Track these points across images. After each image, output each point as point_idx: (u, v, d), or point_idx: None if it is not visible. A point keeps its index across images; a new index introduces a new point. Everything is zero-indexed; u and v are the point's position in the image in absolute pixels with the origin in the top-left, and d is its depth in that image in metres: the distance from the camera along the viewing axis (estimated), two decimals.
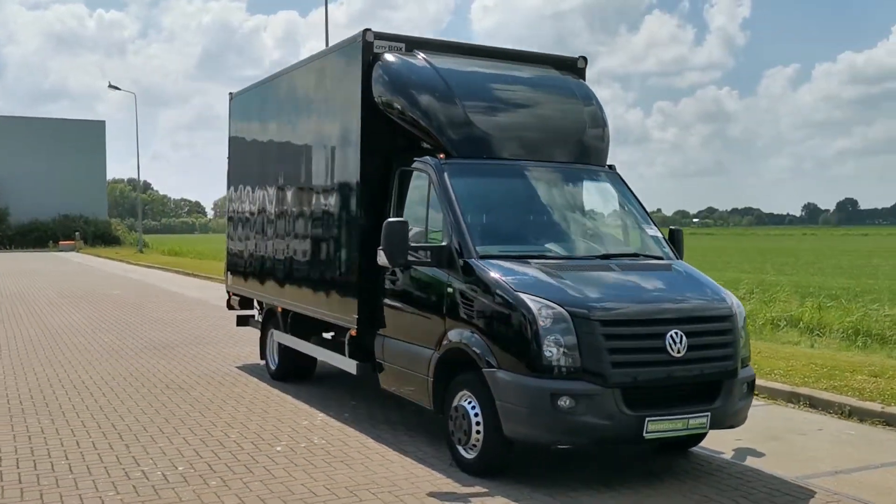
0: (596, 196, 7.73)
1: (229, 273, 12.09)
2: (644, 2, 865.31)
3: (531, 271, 6.52)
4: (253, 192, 11.10)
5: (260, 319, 11.51)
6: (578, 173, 7.80)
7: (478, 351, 6.38)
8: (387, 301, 7.72)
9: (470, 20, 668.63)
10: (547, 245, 7.12)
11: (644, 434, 6.01)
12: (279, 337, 10.26)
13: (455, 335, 6.69)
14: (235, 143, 11.96)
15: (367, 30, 7.97)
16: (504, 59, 8.51)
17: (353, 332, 8.17)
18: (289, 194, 9.84)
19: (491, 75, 8.12)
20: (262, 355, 11.08)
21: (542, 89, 8.21)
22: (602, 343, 5.98)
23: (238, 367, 11.47)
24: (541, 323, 5.97)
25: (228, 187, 12.20)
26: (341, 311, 8.38)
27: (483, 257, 6.68)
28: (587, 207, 7.70)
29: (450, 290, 6.78)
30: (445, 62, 7.95)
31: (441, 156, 7.33)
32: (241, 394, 9.63)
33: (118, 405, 8.92)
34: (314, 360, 10.53)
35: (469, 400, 6.55)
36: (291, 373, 10.47)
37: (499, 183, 7.42)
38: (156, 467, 6.67)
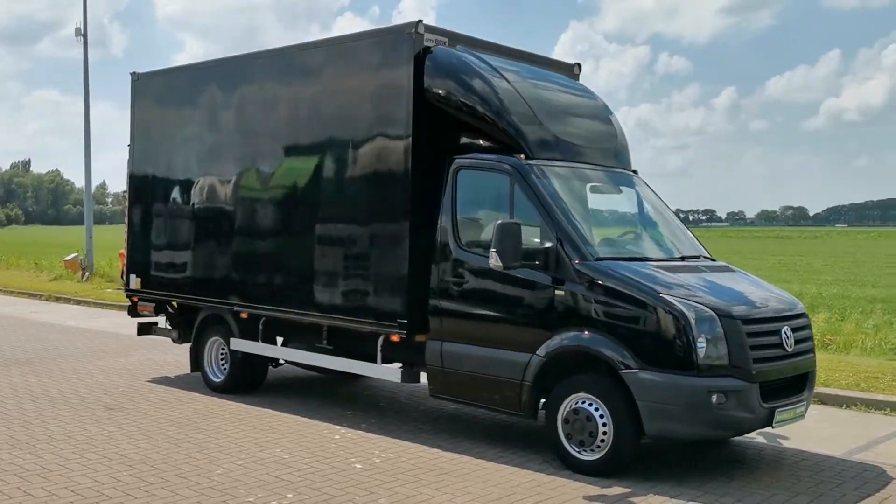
0: (643, 199, 8.03)
1: (136, 276, 10.71)
2: (336, 4, 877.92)
3: (657, 273, 6.69)
4: (197, 185, 9.90)
5: (169, 327, 10.52)
6: (626, 178, 8.07)
7: (608, 353, 6.43)
8: (447, 305, 7.44)
9: (153, 4, 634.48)
10: (634, 247, 7.30)
11: (773, 424, 6.45)
12: (244, 346, 9.35)
13: (569, 338, 6.66)
14: (153, 130, 10.61)
15: (419, 21, 7.61)
16: (522, 60, 8.50)
17: (396, 338, 7.75)
18: (279, 190, 8.94)
19: (537, 73, 8.16)
20: (196, 367, 10.03)
21: (579, 93, 8.39)
22: (745, 341, 6.32)
23: (154, 381, 10.26)
24: (693, 323, 6.18)
25: (134, 177, 10.80)
26: (374, 316, 7.89)
27: (600, 259, 6.73)
28: (642, 211, 7.97)
29: (559, 292, 6.74)
30: (494, 60, 7.82)
31: (521, 156, 7.23)
32: (212, 412, 8.66)
33: (79, 430, 7.68)
34: (266, 368, 9.80)
35: (589, 402, 6.57)
36: (244, 384, 9.62)
37: (576, 186, 7.47)
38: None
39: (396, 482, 6.36)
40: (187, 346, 10.35)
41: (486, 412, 8.48)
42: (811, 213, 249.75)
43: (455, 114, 7.58)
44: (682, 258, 7.41)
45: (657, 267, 6.85)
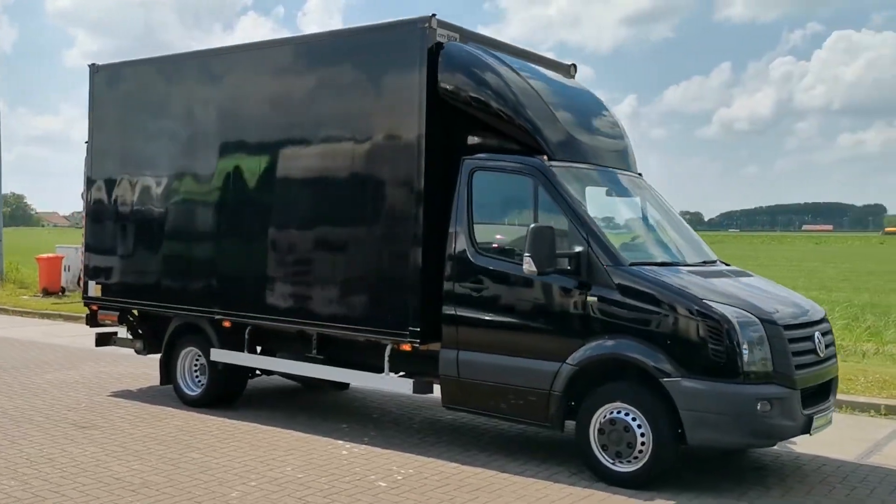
0: (654, 203, 7.87)
1: (95, 283, 9.96)
2: (239, 3, 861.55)
3: (692, 278, 6.54)
4: (170, 183, 9.23)
5: (130, 337, 9.89)
6: (636, 180, 7.90)
7: (647, 361, 6.24)
8: (463, 312, 7.12)
9: None
10: (660, 252, 7.12)
11: (811, 431, 6.37)
12: (227, 357, 8.77)
13: (604, 346, 6.45)
14: (115, 126, 9.88)
15: (432, 16, 7.26)
16: (525, 58, 8.25)
17: (407, 347, 7.38)
18: (271, 191, 8.40)
19: (545, 73, 7.94)
20: (167, 379, 9.39)
21: (584, 94, 8.20)
22: (787, 347, 6.22)
23: (118, 396, 9.55)
24: (738, 329, 6.04)
25: (93, 176, 10.05)
26: (381, 325, 7.49)
27: (633, 264, 6.54)
28: (654, 215, 7.81)
29: (591, 298, 6.51)
30: (507, 58, 7.55)
31: (544, 157, 6.98)
32: (198, 428, 8.08)
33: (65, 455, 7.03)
34: (246, 380, 9.27)
35: (626, 412, 6.36)
36: (223, 397, 9.06)
37: (600, 189, 7.26)
38: None
39: (431, 500, 6.00)
40: (147, 357, 9.72)
41: (488, 421, 8.22)
42: (706, 219, 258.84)
43: (471, 112, 7.27)
44: (704, 263, 7.29)
45: (690, 272, 6.71)
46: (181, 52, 10.17)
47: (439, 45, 7.30)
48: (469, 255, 7.12)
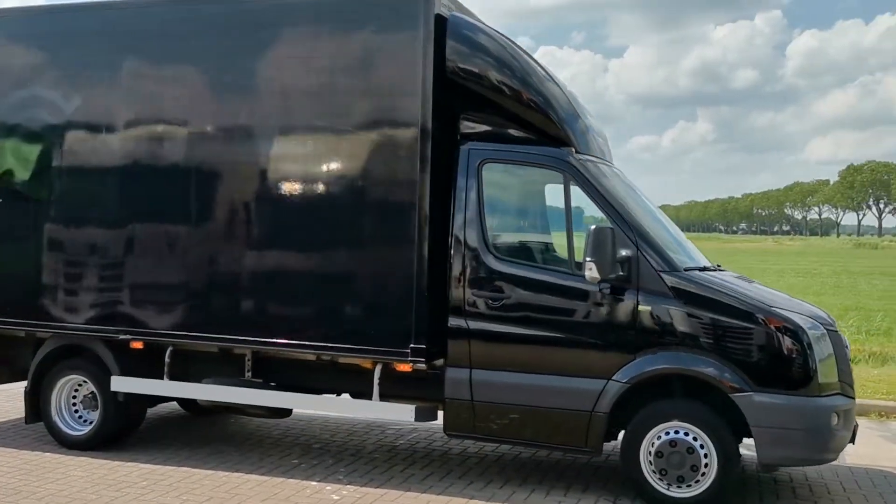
0: (648, 201, 7.34)
1: None
2: None
3: (747, 284, 6.11)
4: (59, 159, 7.26)
5: None
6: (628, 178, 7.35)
7: (715, 374, 5.71)
8: (477, 325, 6.18)
9: None
10: (688, 255, 6.59)
11: (854, 441, 6.17)
12: (139, 386, 7.04)
13: (659, 360, 5.83)
14: None
15: None
16: None
17: (406, 368, 6.28)
18: (215, 176, 6.80)
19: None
20: (35, 416, 7.42)
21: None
22: (846, 356, 5.98)
23: None
24: (811, 338, 5.69)
25: None
26: (371, 342, 6.32)
27: (687, 269, 5.99)
28: (661, 215, 7.24)
29: (644, 307, 5.86)
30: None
31: (572, 149, 6.24)
32: (123, 480, 6.38)
33: None
34: (145, 412, 7.60)
35: (685, 431, 5.79)
36: (119, 435, 7.34)
37: (622, 186, 6.59)
38: None
39: None
40: None
41: (463, 445, 7.32)
42: None
43: (485, 95, 6.31)
44: (718, 266, 6.90)
45: (734, 277, 6.28)
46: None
47: (440, 17, 6.27)
48: (484, 260, 6.19)
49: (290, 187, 6.56)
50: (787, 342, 5.68)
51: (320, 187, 6.48)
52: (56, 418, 7.37)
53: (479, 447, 7.42)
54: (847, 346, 6.17)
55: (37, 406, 7.40)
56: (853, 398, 5.95)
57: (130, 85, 7.04)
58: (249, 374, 7.02)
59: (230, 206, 6.75)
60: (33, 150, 7.38)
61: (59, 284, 7.26)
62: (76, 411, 7.42)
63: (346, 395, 7.02)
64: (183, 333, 6.84)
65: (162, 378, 7.00)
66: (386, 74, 6.31)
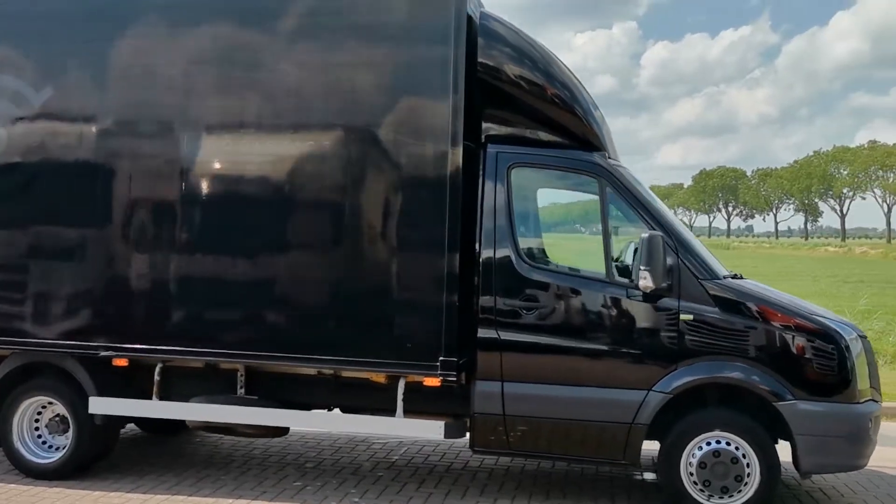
0: None
1: None
2: None
3: (782, 294, 6.11)
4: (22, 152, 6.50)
5: None
6: None
7: (759, 383, 5.68)
8: (510, 335, 5.93)
9: None
10: (717, 262, 6.52)
11: None
12: (121, 407, 6.37)
13: (701, 369, 5.75)
14: None
15: None
16: None
17: (435, 382, 5.94)
18: (222, 175, 6.23)
19: None
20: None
21: None
22: (874, 361, 6.07)
23: None
24: (850, 345, 5.74)
25: None
26: (395, 355, 5.93)
27: (726, 277, 5.93)
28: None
29: (686, 316, 5.76)
30: None
31: (605, 154, 6.08)
32: None
33: None
34: (118, 435, 6.93)
35: (727, 441, 5.72)
36: (91, 462, 6.66)
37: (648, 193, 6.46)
38: None
39: None
40: None
41: (475, 459, 7.05)
42: None
43: (515, 95, 6.07)
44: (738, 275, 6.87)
45: (763, 287, 6.27)
46: None
47: (469, 17, 5.97)
48: (516, 267, 5.94)
49: (310, 192, 6.09)
50: (828, 349, 5.70)
51: (343, 193, 6.04)
52: (18, 444, 6.60)
53: (480, 460, 7.15)
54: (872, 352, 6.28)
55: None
56: (881, 403, 6.05)
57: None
58: (242, 390, 6.50)
59: (242, 209, 6.20)
60: None
61: (24, 294, 6.50)
62: (39, 436, 6.68)
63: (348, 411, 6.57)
64: (181, 349, 6.24)
65: (148, 398, 6.38)
66: (417, 69, 5.94)
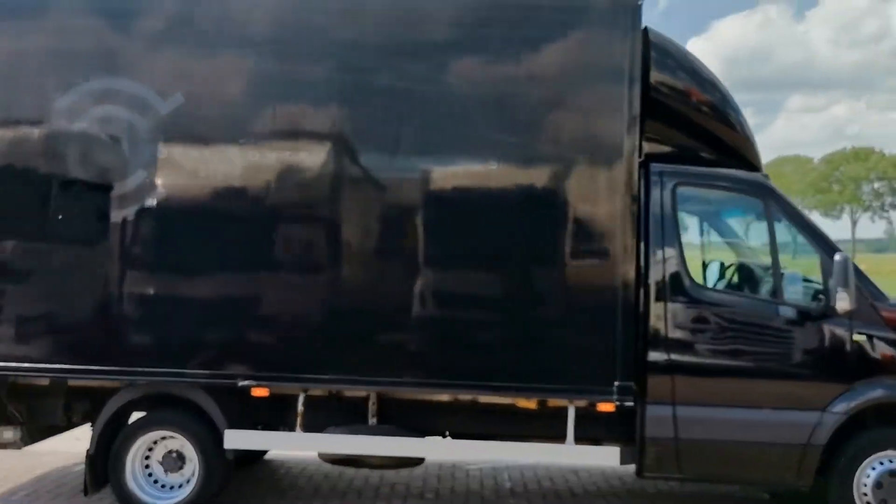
0: None
1: None
2: None
3: None
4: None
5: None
6: None
7: None
8: (682, 358, 5.82)
9: None
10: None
11: None
12: (269, 442, 5.93)
13: (877, 388, 5.79)
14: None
15: None
16: None
17: (611, 407, 5.75)
18: (369, 196, 5.83)
19: None
20: (98, 484, 6.01)
21: None
22: None
23: None
24: None
25: None
26: (567, 380, 5.71)
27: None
28: None
29: (860, 336, 5.79)
30: None
31: (766, 175, 6.10)
32: None
33: None
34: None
35: None
36: (212, 499, 6.15)
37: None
38: None
39: None
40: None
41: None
42: None
43: (681, 111, 6.02)
44: None
45: None
46: None
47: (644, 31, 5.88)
48: (687, 288, 5.84)
49: (478, 207, 5.82)
50: None
51: (514, 208, 5.79)
52: (132, 486, 6.01)
53: (590, 484, 6.99)
54: None
55: (102, 472, 6.00)
56: None
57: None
58: (374, 419, 6.14)
59: (402, 222, 5.85)
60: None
61: (145, 321, 5.94)
62: (150, 475, 6.11)
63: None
64: (330, 377, 5.83)
65: (291, 429, 5.94)
66: (589, 85, 5.78)
